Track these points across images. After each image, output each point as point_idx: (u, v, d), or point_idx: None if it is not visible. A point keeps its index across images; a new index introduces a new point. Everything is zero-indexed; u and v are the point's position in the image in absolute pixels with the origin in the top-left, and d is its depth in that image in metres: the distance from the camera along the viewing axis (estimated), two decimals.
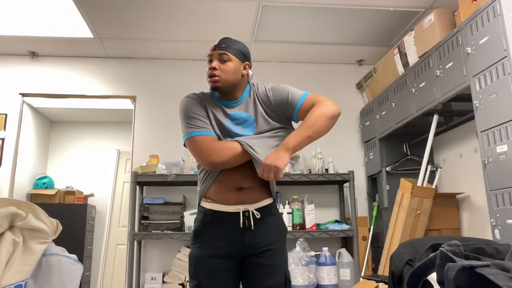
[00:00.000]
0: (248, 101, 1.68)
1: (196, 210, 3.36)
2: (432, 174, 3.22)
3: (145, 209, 3.50)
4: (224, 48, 1.63)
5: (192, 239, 1.65)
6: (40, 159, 5.11)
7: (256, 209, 1.59)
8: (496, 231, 2.17)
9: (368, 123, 3.89)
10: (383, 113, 3.57)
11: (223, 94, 1.66)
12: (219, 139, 1.60)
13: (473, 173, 3.03)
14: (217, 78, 1.59)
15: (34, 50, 3.89)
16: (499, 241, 2.15)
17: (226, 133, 1.61)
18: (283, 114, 1.66)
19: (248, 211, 1.57)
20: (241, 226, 1.56)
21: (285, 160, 1.47)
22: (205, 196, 1.65)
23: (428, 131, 2.94)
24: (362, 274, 3.40)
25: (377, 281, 2.56)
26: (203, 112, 1.62)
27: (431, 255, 1.15)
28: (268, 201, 1.65)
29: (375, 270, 3.55)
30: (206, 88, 1.71)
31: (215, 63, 1.60)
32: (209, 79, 1.60)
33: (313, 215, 3.42)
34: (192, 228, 1.67)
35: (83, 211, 4.71)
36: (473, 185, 3.04)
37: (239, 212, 1.57)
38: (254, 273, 1.57)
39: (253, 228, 1.57)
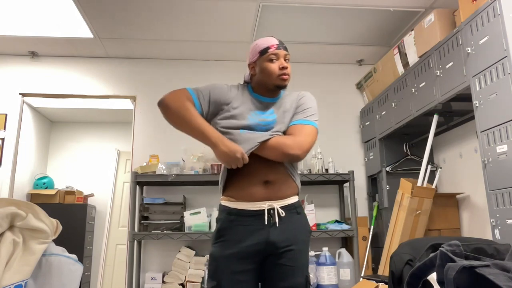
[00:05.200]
0: (280, 103, 1.71)
1: (196, 210, 3.41)
2: (432, 174, 3.22)
3: (145, 209, 3.50)
4: (286, 49, 1.69)
5: (214, 238, 1.62)
6: (40, 159, 5.11)
7: (282, 207, 1.58)
8: (496, 231, 2.17)
9: (368, 123, 3.89)
10: (383, 113, 3.57)
11: (270, 91, 1.70)
12: (234, 127, 1.61)
13: (473, 173, 3.03)
14: (288, 77, 1.66)
15: (34, 50, 3.89)
16: (499, 241, 2.15)
17: (241, 122, 1.62)
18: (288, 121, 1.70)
19: (273, 208, 1.56)
20: (266, 223, 1.55)
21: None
22: (227, 194, 1.66)
23: (428, 131, 2.94)
24: (362, 274, 3.40)
25: (377, 281, 2.56)
26: (216, 97, 1.66)
27: (431, 255, 1.15)
28: (294, 199, 1.64)
29: (375, 270, 3.55)
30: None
31: (285, 63, 1.66)
32: (279, 77, 1.64)
33: (313, 215, 3.42)
34: (215, 227, 1.65)
35: (83, 211, 4.71)
36: (473, 185, 3.04)
37: (264, 210, 1.56)
38: (275, 274, 1.55)
39: (277, 226, 1.55)
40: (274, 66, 1.64)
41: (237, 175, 1.61)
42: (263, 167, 1.58)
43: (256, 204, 1.57)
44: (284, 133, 1.64)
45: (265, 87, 1.68)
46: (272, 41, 1.67)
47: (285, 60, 1.66)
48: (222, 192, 1.70)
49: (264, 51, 1.65)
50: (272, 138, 1.57)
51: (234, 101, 1.67)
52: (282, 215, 1.56)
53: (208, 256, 3.38)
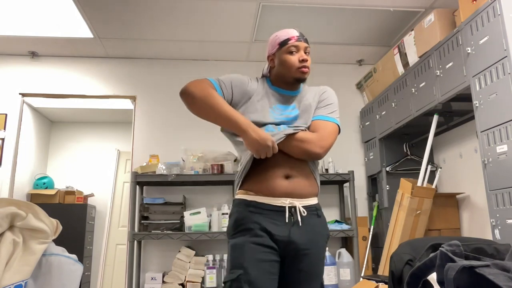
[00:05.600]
0: (302, 97, 1.66)
1: (196, 210, 3.41)
2: (432, 174, 3.22)
3: (145, 209, 3.50)
4: (307, 41, 1.64)
5: (233, 229, 1.50)
6: (40, 159, 5.11)
7: (303, 207, 1.51)
8: (496, 231, 2.17)
9: (368, 123, 3.89)
10: (383, 113, 3.57)
11: (289, 84, 1.64)
12: (257, 123, 1.52)
13: (473, 173, 3.03)
14: (308, 70, 1.60)
15: (34, 50, 3.89)
16: (499, 241, 2.15)
17: (264, 117, 1.56)
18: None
19: (294, 206, 1.49)
20: (287, 221, 1.46)
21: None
22: (245, 187, 1.55)
23: (428, 131, 2.94)
24: (362, 274, 3.40)
25: (377, 281, 2.56)
26: (238, 88, 1.59)
27: (431, 255, 1.15)
28: (314, 200, 1.59)
29: (375, 270, 3.55)
30: None
31: (305, 56, 1.60)
32: (299, 70, 1.59)
33: None
34: (230, 221, 1.54)
35: (83, 211, 4.71)
36: (473, 185, 3.04)
37: (285, 206, 1.48)
38: (293, 279, 1.48)
39: (300, 225, 1.47)
40: (294, 59, 1.58)
41: (258, 168, 1.52)
42: (285, 161, 1.51)
43: (277, 199, 1.48)
44: (308, 128, 1.59)
45: (284, 80, 1.62)
46: (292, 33, 1.62)
47: (305, 52, 1.61)
48: (239, 187, 1.58)
49: (284, 43, 1.60)
50: (298, 133, 1.52)
51: (256, 95, 1.60)
52: (303, 214, 1.49)
53: (207, 256, 3.41)
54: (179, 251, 3.45)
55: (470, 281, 0.65)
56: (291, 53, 1.59)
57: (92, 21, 3.35)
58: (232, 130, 1.50)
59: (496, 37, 2.20)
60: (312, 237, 1.51)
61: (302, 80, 1.63)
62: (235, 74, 1.63)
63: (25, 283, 1.37)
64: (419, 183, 2.94)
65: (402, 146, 3.61)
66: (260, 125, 1.52)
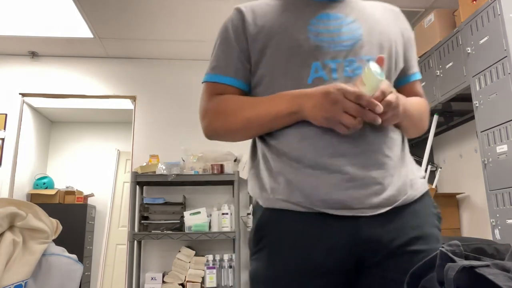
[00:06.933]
0: (356, 6, 0.99)
1: (196, 210, 3.41)
2: (432, 174, 3.22)
3: (145, 209, 3.50)
4: None
5: (253, 244, 0.92)
6: (40, 159, 5.11)
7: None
8: (496, 231, 2.17)
9: None
10: None
11: None
12: (288, 61, 0.92)
13: (473, 173, 3.03)
14: None
15: (34, 50, 3.89)
16: (499, 241, 2.15)
17: (303, 48, 0.91)
18: (396, 60, 0.99)
19: None
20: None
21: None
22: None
23: (428, 131, 2.94)
24: None
25: None
26: (243, 42, 0.97)
27: (431, 255, 1.15)
28: None
29: None
30: None
31: None
32: None
33: None
34: (251, 227, 1.04)
35: (83, 211, 4.71)
36: (473, 185, 3.04)
37: None
38: None
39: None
40: None
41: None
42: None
43: None
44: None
45: None
46: None
47: None
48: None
49: None
50: (422, 107, 1.02)
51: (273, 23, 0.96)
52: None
53: (207, 256, 3.40)
54: (179, 251, 3.45)
55: (470, 281, 0.65)
56: None
57: (92, 21, 3.35)
58: (284, 123, 0.91)
59: (496, 37, 2.20)
60: (414, 224, 0.92)
61: None
62: (218, 39, 1.02)
63: (25, 283, 1.37)
64: None
65: None
66: (301, 53, 0.92)
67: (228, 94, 0.98)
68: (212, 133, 1.01)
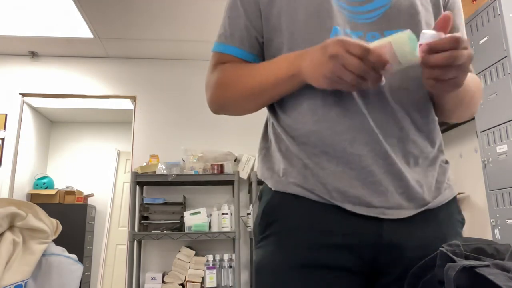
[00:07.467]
0: None
1: (196, 210, 3.41)
2: None
3: (145, 209, 3.50)
4: None
5: (259, 230, 0.84)
6: (40, 159, 5.11)
7: None
8: (496, 231, 2.17)
9: None
10: None
11: None
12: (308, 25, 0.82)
13: (473, 173, 3.03)
14: None
15: (34, 50, 3.88)
16: (499, 241, 2.15)
17: (322, 8, 0.81)
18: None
19: None
20: None
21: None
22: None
23: None
24: None
25: None
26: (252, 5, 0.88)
27: (431, 255, 1.15)
28: None
29: None
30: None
31: None
32: None
33: None
34: (257, 213, 0.87)
35: (83, 211, 4.72)
36: (473, 185, 3.04)
37: None
38: None
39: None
40: None
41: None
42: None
43: None
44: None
45: None
46: None
47: None
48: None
49: None
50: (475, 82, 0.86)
51: None
52: None
53: (207, 256, 3.40)
54: (179, 251, 3.45)
55: (470, 281, 0.65)
56: None
57: (92, 21, 3.35)
58: (289, 89, 0.82)
59: (496, 37, 2.20)
60: (439, 229, 0.88)
61: None
62: (227, 4, 0.93)
63: (25, 283, 1.37)
64: None
65: None
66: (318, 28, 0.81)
67: (230, 63, 0.90)
68: (215, 107, 0.94)
